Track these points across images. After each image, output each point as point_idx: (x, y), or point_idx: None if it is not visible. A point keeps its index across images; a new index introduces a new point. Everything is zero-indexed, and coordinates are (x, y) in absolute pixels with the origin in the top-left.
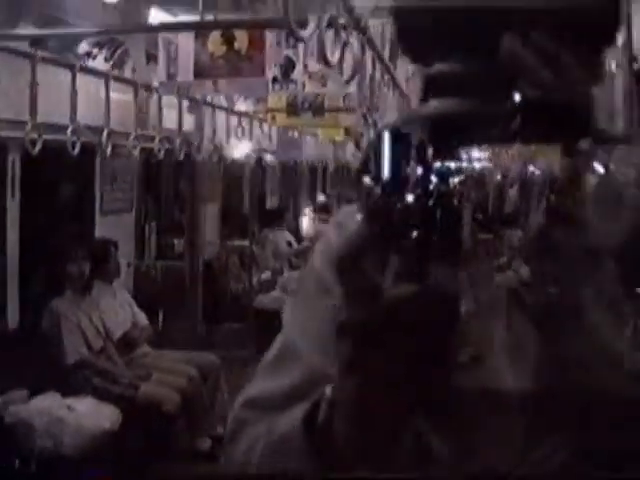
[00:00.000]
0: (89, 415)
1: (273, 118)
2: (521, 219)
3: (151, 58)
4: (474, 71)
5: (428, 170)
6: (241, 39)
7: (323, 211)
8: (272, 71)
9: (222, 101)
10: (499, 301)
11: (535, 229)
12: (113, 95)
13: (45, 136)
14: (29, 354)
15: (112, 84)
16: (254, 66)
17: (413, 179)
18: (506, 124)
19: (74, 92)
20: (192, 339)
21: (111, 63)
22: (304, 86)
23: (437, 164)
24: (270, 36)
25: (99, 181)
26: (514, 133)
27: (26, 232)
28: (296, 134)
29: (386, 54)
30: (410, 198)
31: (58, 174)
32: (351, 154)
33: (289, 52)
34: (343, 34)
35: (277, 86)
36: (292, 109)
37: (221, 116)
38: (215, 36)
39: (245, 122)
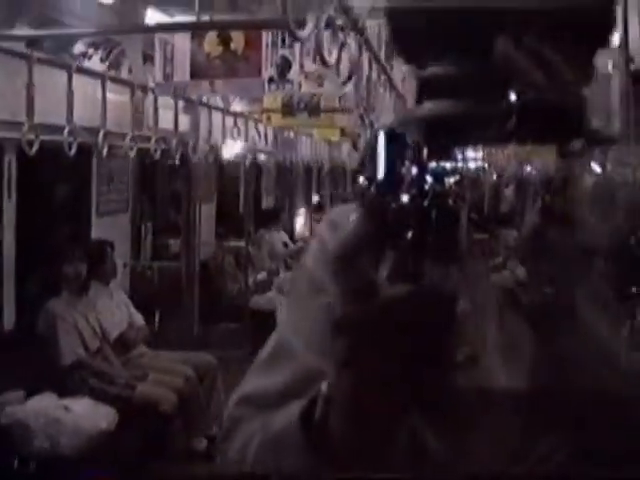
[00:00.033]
0: (86, 415)
1: (268, 118)
2: (516, 219)
3: (147, 58)
4: (468, 72)
5: (424, 170)
6: (237, 39)
7: (317, 211)
8: (268, 71)
9: (218, 102)
10: (495, 301)
11: (530, 229)
12: (109, 96)
13: (42, 137)
14: (25, 355)
15: (108, 85)
16: (250, 66)
17: (409, 179)
18: (501, 125)
19: (70, 93)
20: (188, 339)
21: (107, 64)
22: (300, 86)
23: (433, 164)
24: (266, 36)
25: (95, 182)
26: (509, 134)
27: (22, 233)
28: (292, 134)
29: (382, 55)
30: (407, 198)
31: (54, 175)
32: (347, 154)
33: (285, 52)
34: (340, 35)
35: (273, 86)
36: (288, 109)
37: (217, 117)
38: (211, 36)
39: (241, 123)
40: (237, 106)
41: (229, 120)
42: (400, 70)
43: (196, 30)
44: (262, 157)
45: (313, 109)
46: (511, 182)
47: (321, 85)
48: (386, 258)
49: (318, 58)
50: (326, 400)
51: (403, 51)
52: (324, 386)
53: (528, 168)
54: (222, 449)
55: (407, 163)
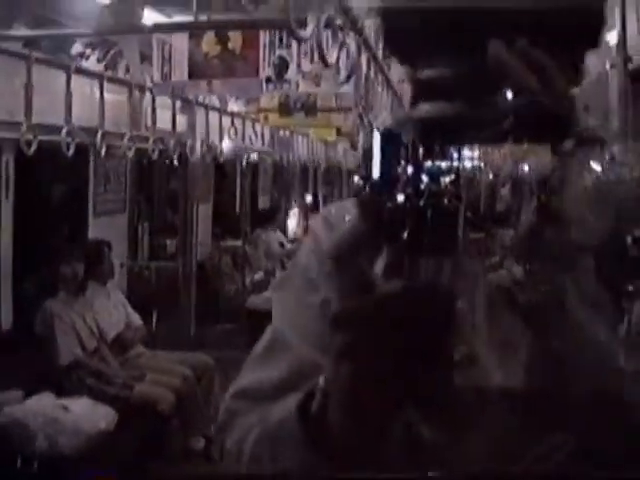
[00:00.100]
0: (84, 415)
1: (265, 118)
2: (512, 218)
3: (145, 58)
4: (462, 73)
5: (420, 170)
6: (235, 39)
7: (311, 211)
8: (266, 71)
9: (215, 102)
10: (491, 299)
11: (526, 228)
12: (107, 96)
13: (40, 137)
14: (23, 355)
15: (106, 85)
16: (248, 66)
17: (405, 179)
18: (497, 125)
19: (69, 93)
20: (185, 339)
21: (104, 64)
22: (298, 86)
23: (429, 164)
24: (264, 36)
25: (92, 182)
26: (505, 133)
27: (20, 233)
28: (288, 134)
29: (380, 54)
30: (402, 198)
31: (51, 175)
32: (343, 154)
33: (283, 52)
34: (340, 34)
35: (271, 86)
36: (284, 109)
37: (214, 116)
38: (209, 36)
39: (238, 122)
40: (234, 106)
41: (226, 120)
42: (398, 70)
43: (196, 30)
44: (254, 156)
45: (310, 109)
46: (507, 181)
47: (318, 85)
48: (382, 257)
49: (318, 58)
50: (324, 393)
51: (396, 51)
52: (321, 380)
53: (525, 167)
54: (219, 442)
55: (403, 163)
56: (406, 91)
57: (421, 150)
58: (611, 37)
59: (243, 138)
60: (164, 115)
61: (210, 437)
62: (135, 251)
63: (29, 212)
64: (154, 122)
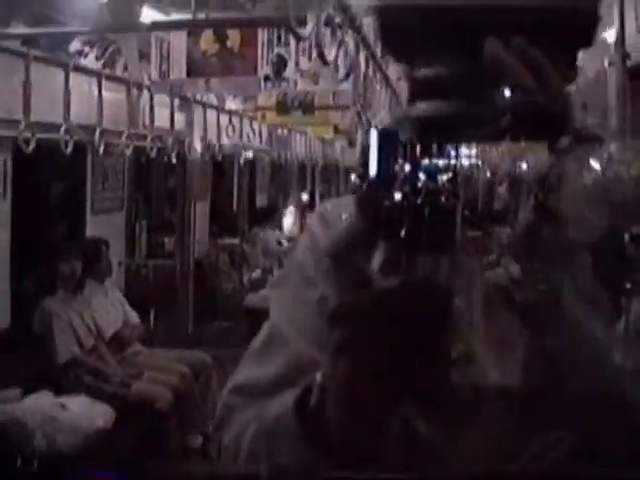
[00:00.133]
0: (82, 413)
1: (263, 116)
2: (510, 216)
3: (143, 56)
4: (458, 71)
5: (417, 168)
6: (233, 37)
7: (307, 210)
8: (264, 69)
9: (212, 99)
10: (488, 298)
11: (524, 226)
12: (105, 94)
13: (38, 135)
14: (21, 353)
15: (104, 83)
16: (246, 64)
17: (402, 177)
18: (494, 123)
19: (67, 91)
20: (183, 337)
21: (102, 62)
22: (296, 84)
23: (426, 162)
24: (262, 34)
25: (90, 180)
26: (503, 131)
27: (17, 231)
28: (286, 132)
29: (379, 52)
30: (400, 196)
31: (49, 173)
32: (340, 152)
33: (281, 50)
34: (339, 32)
35: (269, 84)
36: (282, 107)
37: (211, 114)
38: (208, 34)
39: (235, 120)
40: (231, 104)
41: (224, 118)
42: (396, 68)
43: (194, 28)
44: (249, 154)
45: (307, 107)
46: (504, 179)
47: (316, 83)
48: (379, 255)
49: (317, 56)
50: (321, 389)
51: (392, 50)
52: (318, 375)
53: (523, 165)
54: (216, 437)
55: (400, 161)
56: (403, 89)
57: (418, 148)
58: (609, 35)
59: (241, 136)
60: (162, 113)
61: (208, 434)
62: (133, 249)
63: (27, 210)
64: (152, 120)
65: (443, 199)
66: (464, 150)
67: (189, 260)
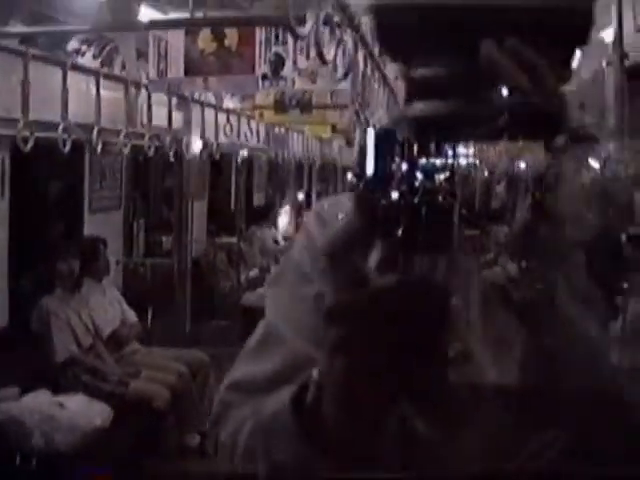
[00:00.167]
0: (80, 412)
1: (261, 115)
2: (507, 215)
3: (141, 55)
4: (455, 71)
5: (414, 167)
6: (231, 36)
7: (302, 209)
8: (262, 68)
9: (210, 98)
10: (486, 297)
11: (521, 225)
12: (102, 92)
13: (36, 134)
14: (19, 352)
15: (102, 81)
16: (244, 63)
17: (399, 176)
18: (492, 122)
19: (65, 90)
20: (181, 336)
21: (99, 60)
22: (294, 83)
23: (423, 161)
24: (260, 33)
25: (88, 179)
26: (500, 130)
27: (15, 230)
28: (283, 131)
29: (377, 51)
30: (396, 195)
31: (47, 172)
32: (338, 151)
33: (279, 49)
34: (337, 31)
35: (267, 83)
36: (280, 106)
37: (209, 113)
38: (205, 33)
39: (233, 119)
40: (229, 102)
41: (222, 117)
42: (394, 67)
43: (193, 27)
44: (254, 153)
45: (305, 106)
46: (502, 178)
47: (314, 82)
48: (376, 255)
49: (316, 55)
50: (317, 386)
51: (388, 49)
52: (315, 372)
53: (520, 164)
54: (213, 434)
55: (397, 160)
56: (401, 88)
57: (415, 147)
58: (607, 34)
59: (238, 135)
60: (160, 112)
61: (205, 433)
62: (130, 248)
63: (25, 209)
64: (150, 119)
65: (440, 198)
66: (461, 149)
67: (187, 259)
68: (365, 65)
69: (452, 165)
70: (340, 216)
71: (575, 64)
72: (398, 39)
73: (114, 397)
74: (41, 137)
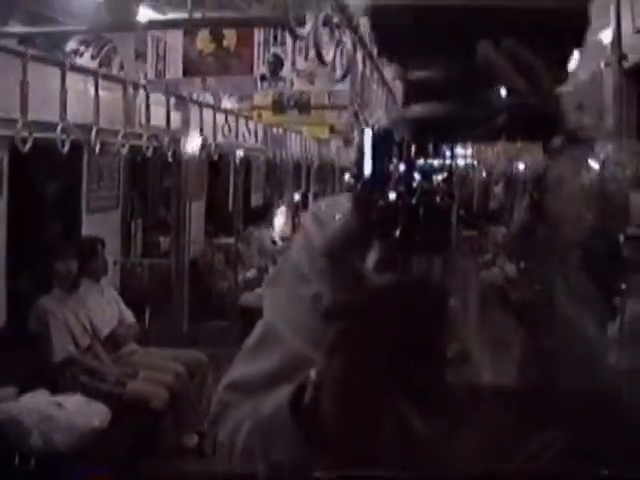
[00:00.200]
0: (79, 412)
1: (259, 116)
2: (505, 216)
3: (139, 55)
4: (452, 73)
5: (412, 168)
6: (230, 37)
7: (298, 210)
8: (260, 69)
9: (208, 99)
10: (484, 297)
11: (519, 226)
12: (101, 93)
13: (35, 134)
14: (17, 352)
15: (100, 82)
16: (243, 64)
17: (397, 177)
18: (489, 123)
19: (63, 90)
20: (178, 336)
21: (98, 60)
22: (292, 84)
23: (421, 162)
24: (258, 34)
25: (86, 179)
26: (498, 131)
27: (13, 230)
28: (281, 131)
29: (375, 52)
30: (394, 196)
31: (45, 172)
32: (335, 152)
33: (277, 50)
34: (337, 32)
35: (266, 84)
36: (278, 107)
37: (207, 114)
38: (204, 34)
39: (231, 120)
40: (227, 103)
41: (220, 117)
42: (392, 68)
43: (192, 27)
44: (252, 154)
45: (303, 106)
46: (500, 179)
47: (313, 83)
48: (374, 256)
49: (315, 56)
50: (315, 386)
51: (385, 50)
52: (313, 372)
53: (520, 165)
54: (211, 434)
55: (395, 160)
56: (399, 89)
57: (414, 148)
58: (605, 36)
59: (237, 135)
60: (158, 112)
61: (203, 434)
62: (128, 248)
63: (23, 209)
64: (148, 119)
65: (438, 199)
66: (459, 150)
67: (184, 259)
68: (364, 66)
69: (450, 166)
70: (337, 217)
71: (573, 65)
72: (395, 40)
73: (112, 397)
74: (40, 137)
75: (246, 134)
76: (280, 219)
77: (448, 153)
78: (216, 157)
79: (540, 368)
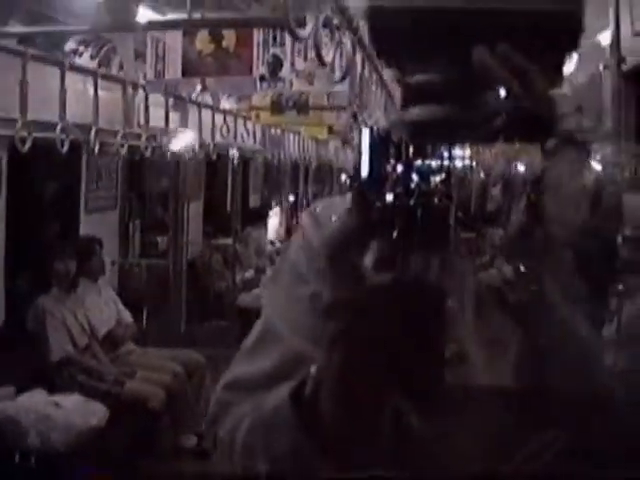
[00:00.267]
0: (76, 412)
1: (257, 116)
2: (503, 217)
3: (139, 56)
4: (450, 76)
5: (410, 169)
6: (229, 37)
7: (293, 212)
8: (260, 69)
9: (207, 99)
10: (481, 299)
11: (517, 227)
12: (100, 93)
13: (34, 134)
14: (15, 352)
15: (99, 82)
16: (242, 64)
17: (395, 178)
18: (486, 126)
19: (63, 90)
20: (176, 337)
21: (97, 60)
22: (291, 84)
23: (419, 163)
24: (257, 34)
25: (84, 179)
26: (495, 133)
27: (12, 230)
28: (280, 132)
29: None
30: (392, 197)
31: (43, 172)
32: (334, 152)
33: (276, 50)
34: (336, 34)
35: (265, 84)
36: (276, 107)
37: (206, 114)
38: (203, 34)
39: (230, 120)
40: (225, 103)
41: (218, 117)
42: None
43: (191, 28)
44: (250, 154)
45: (302, 107)
46: (498, 181)
47: (312, 83)
48: (372, 256)
49: (315, 57)
50: (315, 382)
51: (383, 52)
52: (313, 368)
53: (519, 167)
54: (210, 433)
55: (392, 161)
56: (398, 91)
57: (412, 149)
58: (604, 38)
59: (235, 136)
60: (157, 112)
61: (201, 434)
62: (126, 248)
63: (21, 209)
64: (147, 119)
65: (436, 200)
66: (457, 151)
67: (182, 259)
68: (363, 67)
69: (448, 167)
70: (334, 218)
71: (572, 68)
72: (393, 43)
73: (110, 397)
74: (39, 137)
75: (244, 135)
76: (274, 221)
77: (446, 154)
78: (214, 157)
79: (537, 369)
